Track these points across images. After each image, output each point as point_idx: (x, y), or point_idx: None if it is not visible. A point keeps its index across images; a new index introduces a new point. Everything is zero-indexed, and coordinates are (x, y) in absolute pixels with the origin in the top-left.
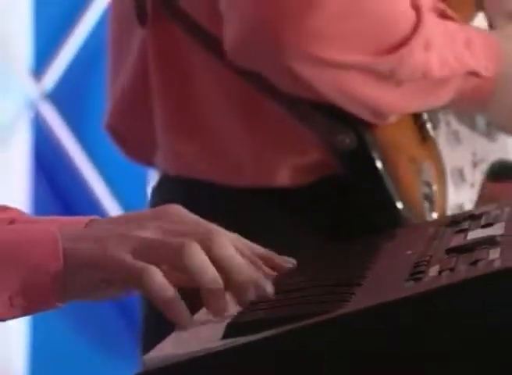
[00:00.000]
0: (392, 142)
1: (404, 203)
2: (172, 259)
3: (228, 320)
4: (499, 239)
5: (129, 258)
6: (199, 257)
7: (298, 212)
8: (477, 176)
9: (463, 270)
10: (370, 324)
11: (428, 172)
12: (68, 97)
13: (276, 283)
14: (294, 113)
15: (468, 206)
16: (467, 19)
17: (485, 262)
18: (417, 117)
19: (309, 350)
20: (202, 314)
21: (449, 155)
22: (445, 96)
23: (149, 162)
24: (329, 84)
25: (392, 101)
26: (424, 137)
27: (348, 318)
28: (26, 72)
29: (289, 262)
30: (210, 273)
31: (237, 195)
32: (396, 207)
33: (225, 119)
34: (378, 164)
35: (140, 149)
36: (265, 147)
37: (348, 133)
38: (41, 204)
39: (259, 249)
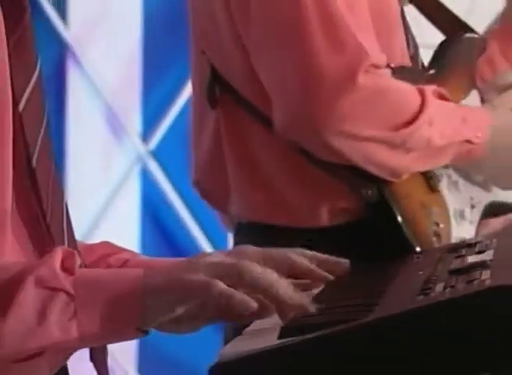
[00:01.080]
0: (407, 193)
1: (418, 241)
2: (231, 272)
3: (281, 326)
4: (489, 263)
5: (195, 276)
6: (254, 267)
7: (336, 247)
8: (475, 216)
9: (462, 287)
10: (389, 329)
11: (436, 214)
12: (170, 155)
13: (318, 296)
14: (331, 173)
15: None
16: (462, 96)
17: (479, 281)
18: (425, 173)
19: (342, 348)
20: (259, 323)
21: (452, 200)
22: (446, 158)
23: (226, 211)
24: (356, 153)
25: (404, 165)
26: (432, 188)
27: (372, 324)
28: (136, 134)
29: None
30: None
31: (294, 234)
32: (411, 246)
33: (282, 177)
34: (397, 215)
35: (218, 201)
36: (310, 196)
37: (371, 188)
38: (149, 245)
39: (319, 256)
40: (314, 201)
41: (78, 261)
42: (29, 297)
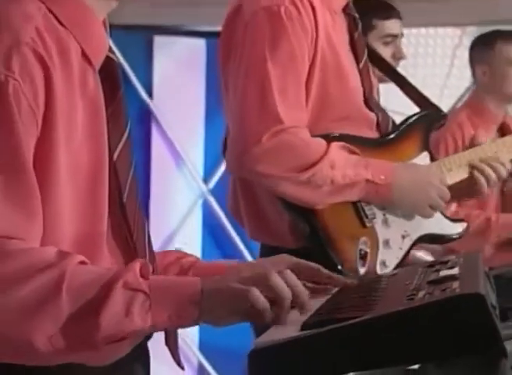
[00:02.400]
0: (337, 227)
1: (342, 262)
2: (263, 282)
3: (302, 321)
4: (457, 276)
5: (238, 285)
6: (279, 280)
7: None
8: (405, 244)
9: (437, 294)
10: (385, 324)
11: (364, 243)
12: (224, 192)
13: (331, 299)
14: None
15: (392, 261)
16: (414, 154)
17: (450, 289)
18: (358, 213)
19: (349, 338)
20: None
21: (382, 233)
22: (353, 194)
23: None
24: (271, 187)
25: (314, 198)
26: (364, 224)
27: (371, 320)
28: (199, 177)
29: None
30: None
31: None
32: (335, 265)
33: (269, 209)
34: (324, 244)
35: (243, 225)
36: (282, 225)
37: (304, 223)
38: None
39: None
40: (284, 228)
41: (150, 269)
42: (119, 296)
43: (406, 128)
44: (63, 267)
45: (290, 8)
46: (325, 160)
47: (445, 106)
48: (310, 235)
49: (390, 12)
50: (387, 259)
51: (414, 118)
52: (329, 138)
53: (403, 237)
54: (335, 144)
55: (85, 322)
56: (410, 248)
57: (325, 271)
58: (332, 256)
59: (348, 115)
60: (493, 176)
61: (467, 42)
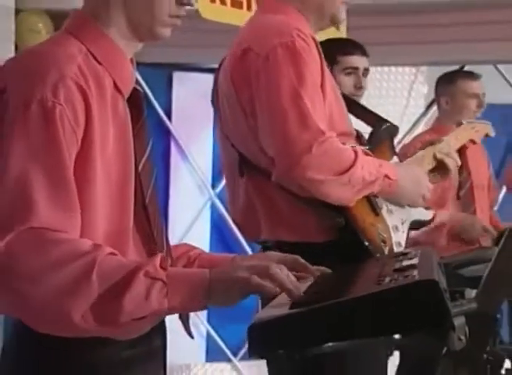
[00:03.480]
0: (363, 219)
1: (371, 245)
2: (262, 270)
3: (291, 302)
4: (417, 265)
5: (240, 273)
6: (275, 268)
7: (324, 255)
8: (405, 228)
9: (401, 280)
10: (357, 304)
11: (382, 229)
12: None
13: (313, 284)
14: (316, 208)
15: (402, 243)
16: (389, 160)
17: (411, 276)
18: (371, 205)
19: (327, 316)
20: (278, 299)
21: (389, 220)
22: (374, 189)
23: (254, 239)
24: (316, 191)
25: (352, 196)
26: (377, 213)
27: (346, 302)
28: (208, 183)
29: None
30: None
31: (302, 248)
32: (367, 248)
33: (290, 210)
34: (359, 233)
35: (250, 233)
36: (307, 223)
37: (340, 217)
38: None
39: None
40: (310, 225)
41: (169, 262)
42: (140, 282)
43: (378, 139)
44: (95, 256)
45: (301, 42)
46: (357, 163)
47: (404, 129)
48: (345, 227)
49: (352, 49)
50: (400, 241)
51: (379, 131)
52: None
53: (402, 223)
54: (359, 149)
55: (111, 302)
56: (408, 231)
57: (302, 263)
58: (365, 242)
59: (345, 130)
60: (458, 160)
61: (420, 78)
